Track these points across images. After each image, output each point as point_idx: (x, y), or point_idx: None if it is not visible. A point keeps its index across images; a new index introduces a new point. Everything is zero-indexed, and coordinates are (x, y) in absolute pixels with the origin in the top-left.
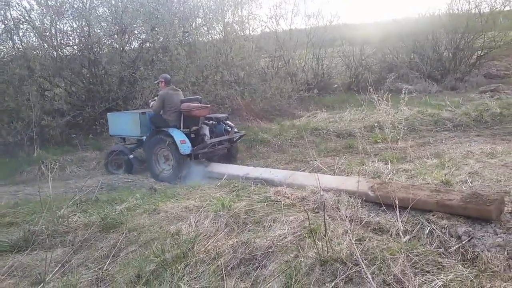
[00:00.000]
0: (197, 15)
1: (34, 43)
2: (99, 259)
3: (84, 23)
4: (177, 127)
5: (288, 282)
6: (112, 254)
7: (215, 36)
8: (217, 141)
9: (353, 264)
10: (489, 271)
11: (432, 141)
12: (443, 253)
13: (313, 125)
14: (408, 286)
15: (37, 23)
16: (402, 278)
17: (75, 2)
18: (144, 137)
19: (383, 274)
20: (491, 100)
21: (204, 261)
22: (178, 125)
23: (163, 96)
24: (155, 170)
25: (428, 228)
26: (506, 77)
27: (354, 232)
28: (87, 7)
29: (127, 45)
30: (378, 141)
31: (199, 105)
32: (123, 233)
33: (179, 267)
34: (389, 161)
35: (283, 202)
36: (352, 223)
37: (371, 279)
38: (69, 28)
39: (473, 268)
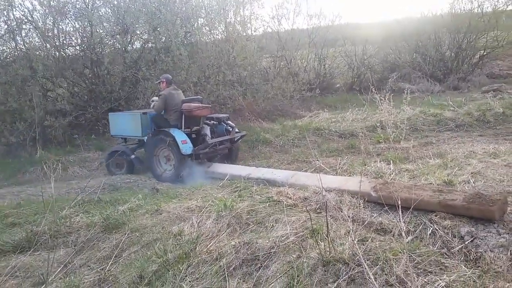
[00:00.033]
0: (199, 15)
1: (37, 44)
2: (102, 260)
3: (86, 24)
4: (178, 127)
5: (290, 282)
6: (114, 255)
7: (217, 36)
8: (218, 141)
9: (356, 265)
10: (492, 271)
11: (434, 141)
12: (445, 253)
13: (315, 125)
14: (410, 286)
15: (39, 24)
16: (404, 279)
17: (77, 2)
18: (145, 138)
19: (385, 274)
20: (493, 100)
21: (206, 261)
22: (179, 125)
23: (165, 96)
24: (156, 171)
25: (431, 229)
26: (508, 76)
27: (357, 233)
28: (89, 7)
29: (129, 45)
30: (381, 141)
31: (200, 105)
32: (125, 234)
33: (181, 268)
34: (391, 161)
35: (285, 202)
36: (355, 224)
37: (373, 280)
38: (72, 29)
39: (476, 269)
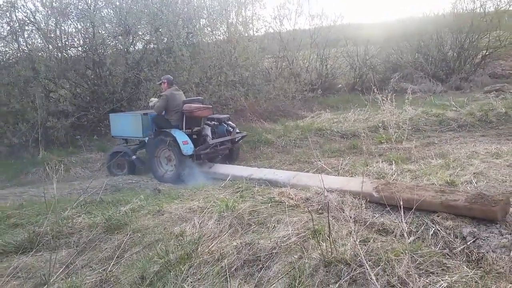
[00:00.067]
0: (201, 16)
1: (39, 45)
2: (103, 260)
3: (88, 25)
4: (179, 128)
5: (292, 283)
6: (116, 255)
7: (219, 37)
8: (219, 142)
9: (357, 265)
10: (494, 272)
11: (436, 141)
12: (447, 254)
13: (317, 126)
14: (412, 287)
15: (42, 25)
16: (406, 279)
17: (79, 3)
18: (146, 139)
19: (387, 275)
20: (496, 100)
21: (208, 262)
22: (180, 125)
23: (167, 97)
24: (158, 171)
25: (433, 229)
26: (511, 76)
27: (358, 233)
28: (91, 8)
29: (131, 46)
30: (383, 141)
31: (201, 105)
32: (127, 234)
33: (183, 268)
34: (393, 161)
35: (287, 203)
36: (356, 224)
37: (375, 281)
38: (74, 30)
39: (478, 269)
